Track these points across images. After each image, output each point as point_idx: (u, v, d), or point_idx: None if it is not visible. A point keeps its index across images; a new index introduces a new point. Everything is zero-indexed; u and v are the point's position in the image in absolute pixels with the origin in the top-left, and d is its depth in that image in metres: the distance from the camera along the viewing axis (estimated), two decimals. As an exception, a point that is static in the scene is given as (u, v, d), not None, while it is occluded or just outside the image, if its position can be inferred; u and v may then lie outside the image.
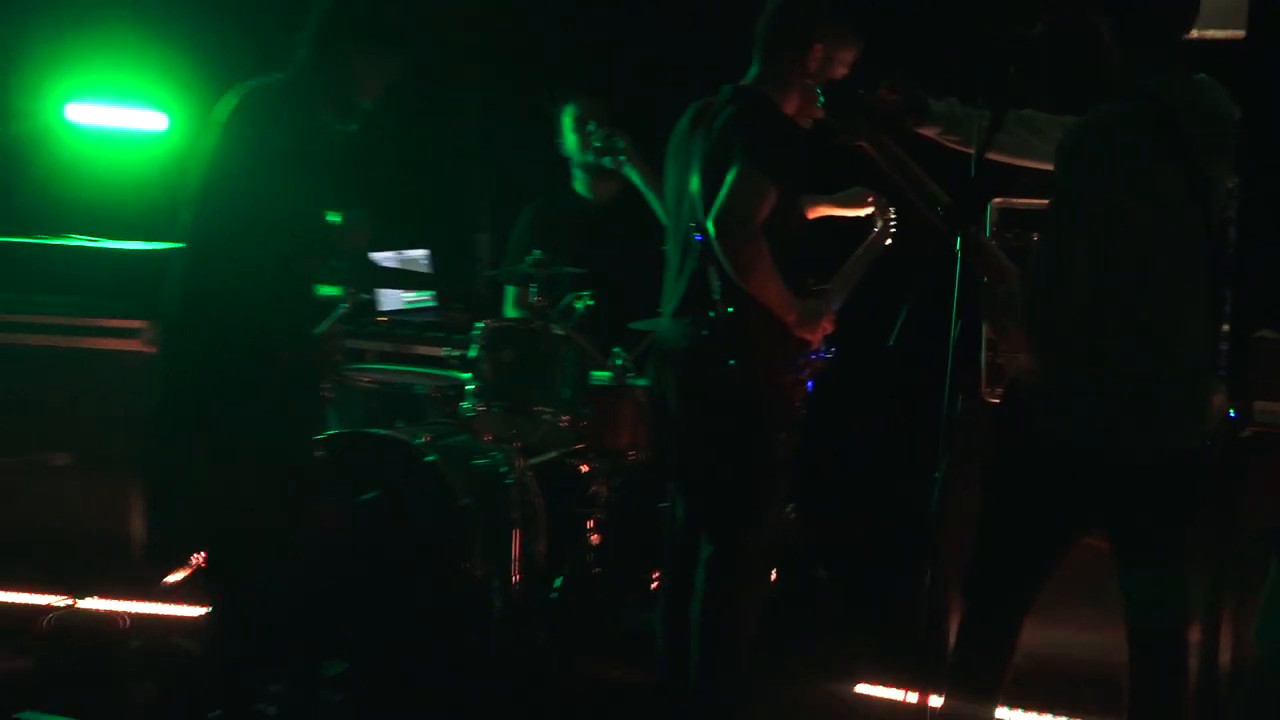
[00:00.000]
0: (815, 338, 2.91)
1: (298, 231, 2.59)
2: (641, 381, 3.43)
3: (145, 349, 3.80)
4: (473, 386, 3.42)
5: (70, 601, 3.72)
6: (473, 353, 3.42)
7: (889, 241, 3.07)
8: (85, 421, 3.81)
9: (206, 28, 4.36)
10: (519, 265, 3.56)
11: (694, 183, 2.84)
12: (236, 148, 2.62)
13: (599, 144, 3.57)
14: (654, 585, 3.64)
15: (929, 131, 2.75)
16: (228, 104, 2.65)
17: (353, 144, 2.77)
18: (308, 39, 2.68)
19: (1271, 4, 3.24)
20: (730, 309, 2.80)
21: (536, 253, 3.49)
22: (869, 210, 3.13)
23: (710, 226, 2.71)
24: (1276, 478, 2.92)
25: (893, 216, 3.11)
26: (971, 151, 2.45)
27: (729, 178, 2.71)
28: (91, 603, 3.74)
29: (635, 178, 3.50)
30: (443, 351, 3.78)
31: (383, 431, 3.54)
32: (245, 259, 2.54)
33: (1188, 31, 2.42)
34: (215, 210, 2.63)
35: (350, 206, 2.79)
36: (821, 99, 2.78)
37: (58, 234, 4.16)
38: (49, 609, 3.71)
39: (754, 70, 2.89)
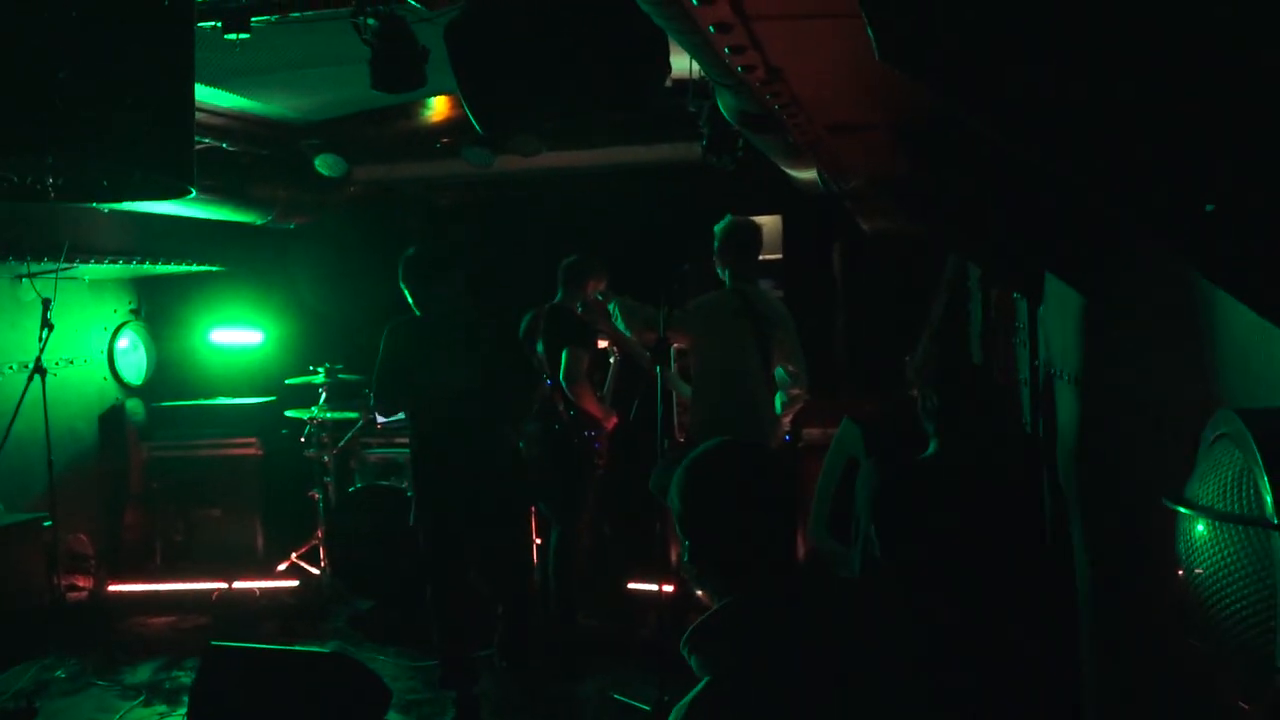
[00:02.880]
0: (611, 423, 5.37)
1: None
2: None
3: (255, 453, 6.91)
4: None
5: (227, 585, 6.52)
6: None
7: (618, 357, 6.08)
8: (227, 491, 6.80)
9: (281, 287, 7.51)
10: None
11: (539, 348, 5.33)
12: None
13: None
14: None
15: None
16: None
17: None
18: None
19: (797, 241, 6.40)
20: (571, 413, 5.27)
21: None
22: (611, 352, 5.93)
23: (562, 381, 5.13)
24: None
25: (618, 355, 5.77)
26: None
27: (564, 354, 5.10)
28: (238, 584, 6.55)
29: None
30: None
31: (384, 483, 6.56)
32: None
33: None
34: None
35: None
36: (580, 308, 5.30)
37: (210, 397, 7.31)
38: (216, 591, 6.50)
39: (559, 294, 5.34)
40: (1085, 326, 2.39)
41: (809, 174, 4.00)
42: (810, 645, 1.64)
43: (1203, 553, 1.10)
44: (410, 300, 4.79)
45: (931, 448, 3.02)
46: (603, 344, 5.74)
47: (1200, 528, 1.11)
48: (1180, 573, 1.12)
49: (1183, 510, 1.11)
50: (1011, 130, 1.16)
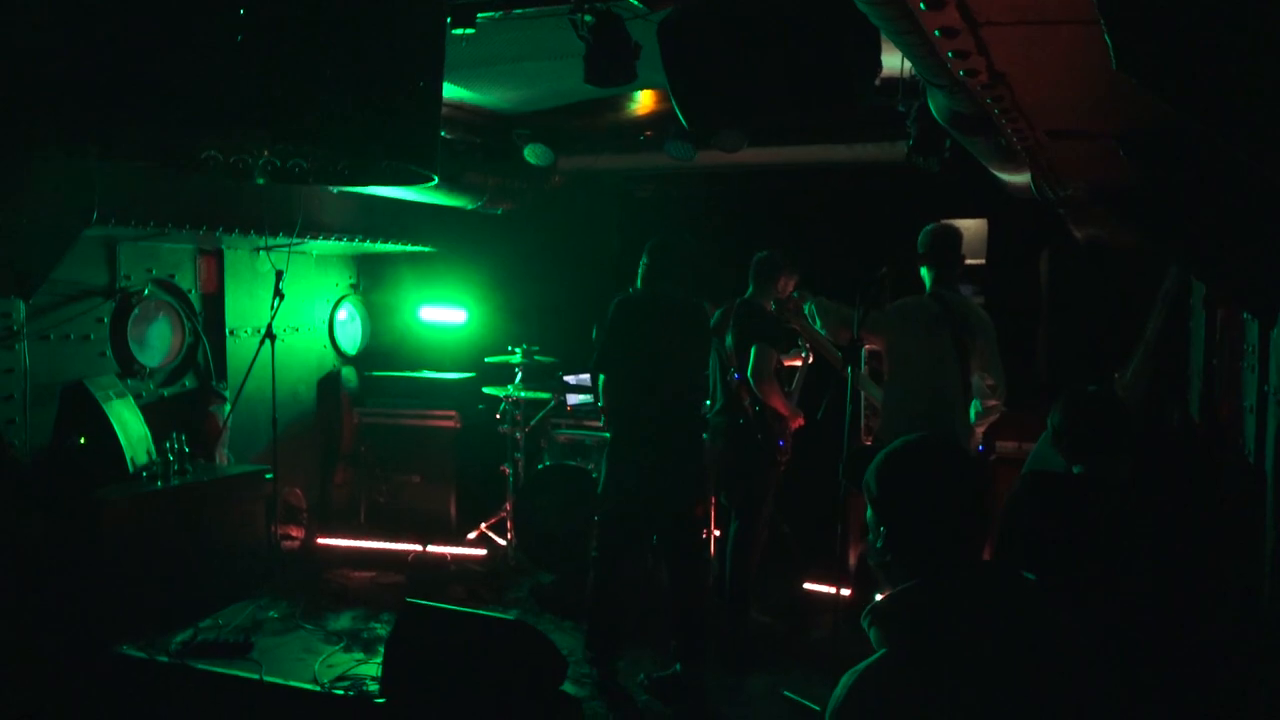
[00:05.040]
0: (797, 423, 5.40)
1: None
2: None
3: (453, 425, 7.29)
4: None
5: (422, 547, 6.86)
6: None
7: (810, 360, 6.00)
8: (426, 459, 7.21)
9: (486, 270, 7.83)
10: None
11: (728, 342, 5.35)
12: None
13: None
14: (704, 537, 6.20)
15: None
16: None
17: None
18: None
19: (1002, 246, 6.20)
20: (757, 409, 5.27)
21: None
22: (803, 356, 5.76)
23: (749, 377, 5.13)
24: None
25: (811, 358, 5.69)
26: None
27: (753, 350, 5.12)
28: (432, 548, 6.87)
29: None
30: (601, 423, 6.96)
31: (571, 463, 6.69)
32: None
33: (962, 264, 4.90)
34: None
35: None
36: (774, 306, 5.24)
37: (416, 370, 7.75)
38: (411, 552, 6.83)
39: (750, 289, 5.35)
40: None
41: (1021, 178, 3.85)
42: (987, 635, 1.67)
43: None
44: (643, 280, 4.97)
45: (1076, 471, 3.04)
46: (793, 362, 5.73)
47: None
48: None
49: None
50: (1258, 145, 1.10)
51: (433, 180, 2.34)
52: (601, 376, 4.96)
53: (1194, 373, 4.81)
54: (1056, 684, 1.67)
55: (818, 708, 4.55)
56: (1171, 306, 4.98)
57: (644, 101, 6.44)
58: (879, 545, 1.84)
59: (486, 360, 7.05)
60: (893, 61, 3.94)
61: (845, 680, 1.71)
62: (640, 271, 5.01)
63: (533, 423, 6.96)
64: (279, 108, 1.89)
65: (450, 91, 6.01)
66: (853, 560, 5.38)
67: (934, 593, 1.72)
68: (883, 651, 1.71)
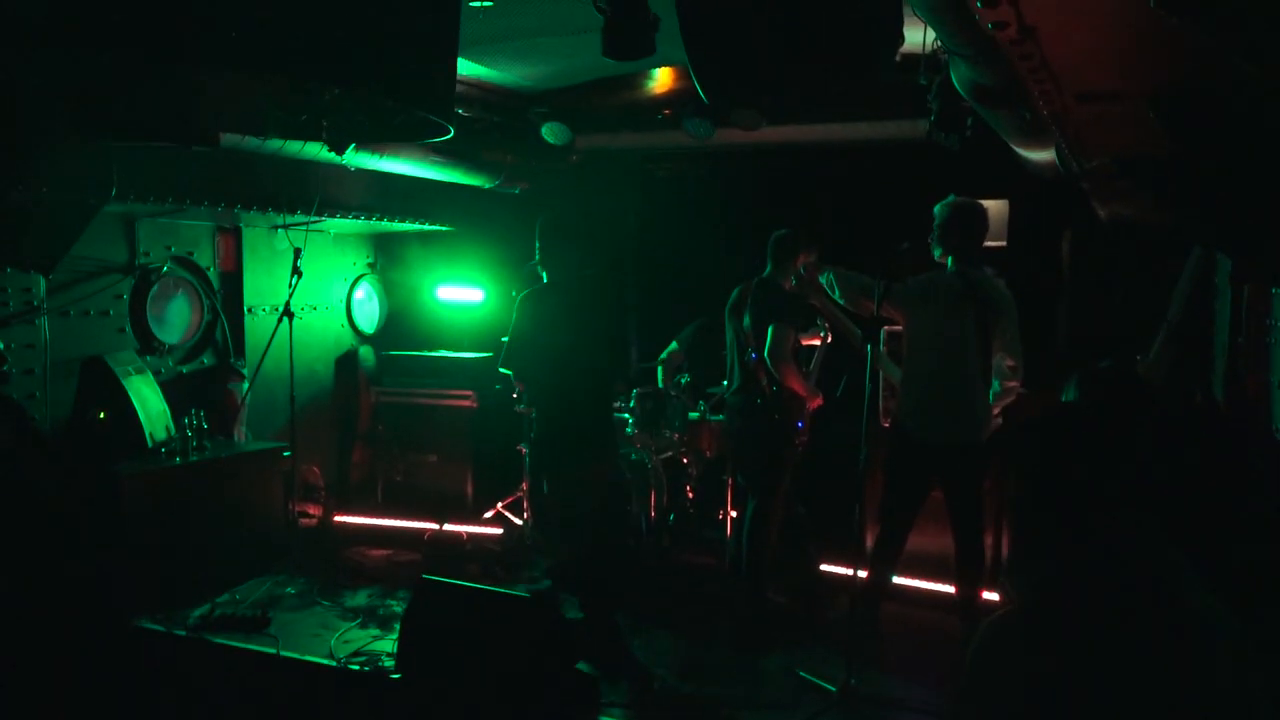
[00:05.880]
0: (815, 403, 5.33)
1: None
2: (715, 418, 6.57)
3: (470, 405, 7.28)
4: (631, 420, 6.56)
5: (438, 526, 6.86)
6: (631, 404, 6.57)
7: (829, 339, 5.94)
8: (443, 438, 7.18)
9: (503, 249, 7.72)
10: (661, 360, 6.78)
11: (746, 321, 5.27)
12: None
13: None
14: (720, 518, 6.48)
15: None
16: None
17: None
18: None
19: (1023, 227, 6.11)
20: (774, 388, 5.16)
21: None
22: (821, 335, 5.69)
23: (766, 357, 5.02)
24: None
25: (830, 338, 5.66)
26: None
27: (770, 330, 5.02)
28: (448, 527, 6.87)
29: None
30: (618, 403, 6.99)
31: None
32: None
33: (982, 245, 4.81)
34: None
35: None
36: (794, 282, 5.20)
37: (433, 349, 7.72)
38: (428, 530, 6.84)
39: (768, 268, 5.25)
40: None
41: (1044, 154, 3.79)
42: (1124, 598, 1.73)
43: None
44: (539, 267, 4.92)
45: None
46: (811, 341, 5.68)
47: None
48: None
49: None
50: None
51: (449, 133, 2.31)
52: (510, 371, 5.04)
53: (1218, 353, 4.74)
54: (1182, 650, 1.70)
55: (833, 688, 4.53)
56: (1195, 286, 4.91)
57: (662, 79, 6.39)
58: (1027, 509, 1.89)
59: (503, 340, 7.00)
60: (914, 37, 3.88)
61: (981, 630, 1.81)
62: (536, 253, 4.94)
63: (549, 402, 6.93)
64: (299, 50, 1.86)
65: (467, 68, 5.98)
66: (869, 542, 5.34)
67: (1079, 555, 1.78)
68: (1019, 605, 1.81)
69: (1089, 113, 2.22)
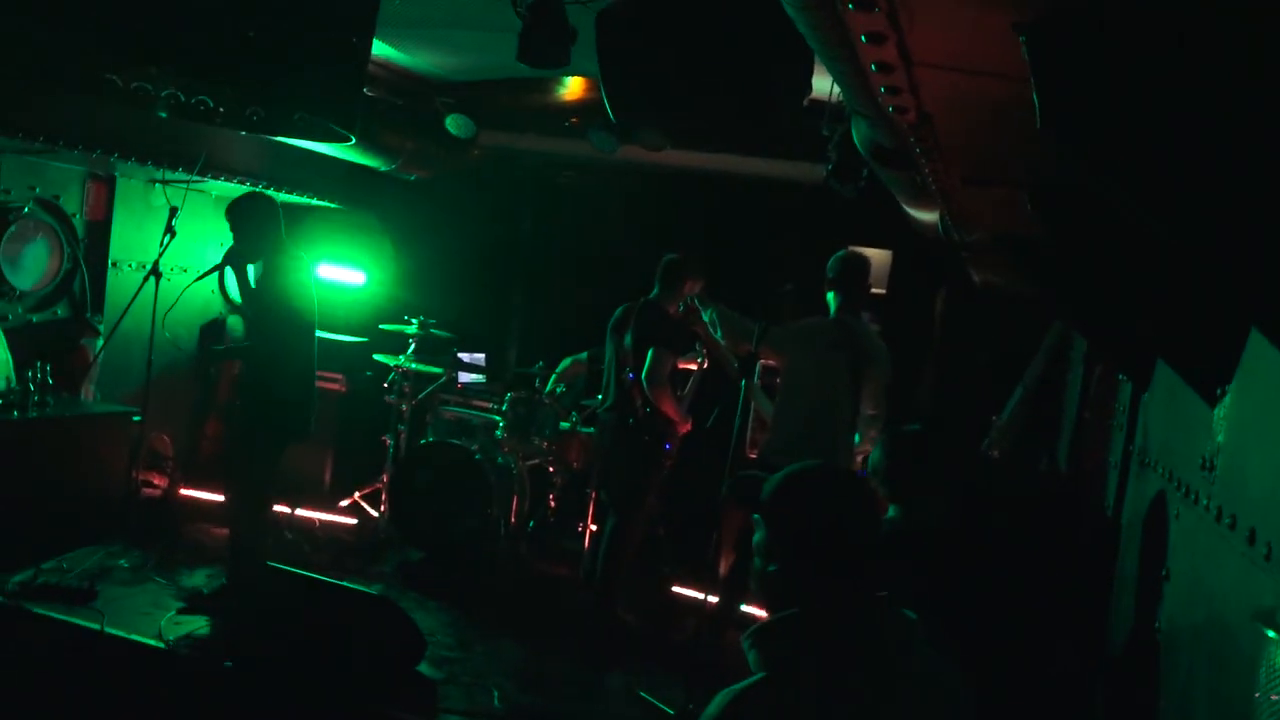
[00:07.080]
0: (685, 428, 5.42)
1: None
2: (586, 430, 6.57)
3: (338, 389, 7.10)
4: (502, 423, 6.52)
5: (290, 510, 6.62)
6: (504, 407, 6.53)
7: (705, 365, 6.02)
8: None
9: (390, 235, 7.72)
10: (534, 368, 6.77)
11: (627, 340, 5.33)
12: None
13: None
14: (580, 530, 6.44)
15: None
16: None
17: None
18: None
19: (903, 279, 6.35)
20: (648, 410, 5.30)
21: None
22: (699, 361, 5.76)
23: (644, 379, 5.15)
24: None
25: (706, 364, 5.71)
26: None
27: (650, 353, 5.15)
28: (300, 512, 6.68)
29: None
30: (490, 404, 6.97)
31: (455, 441, 6.65)
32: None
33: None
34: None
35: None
36: (681, 308, 5.26)
37: None
38: (279, 514, 6.58)
39: (655, 291, 5.34)
40: (1193, 425, 2.33)
41: (930, 216, 3.96)
42: (868, 665, 1.70)
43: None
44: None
45: (891, 512, 3.12)
46: (687, 366, 5.74)
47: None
48: (1256, 695, 1.09)
49: (1272, 635, 1.08)
50: (1165, 215, 1.14)
51: (349, 140, 2.25)
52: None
53: (1066, 424, 5.02)
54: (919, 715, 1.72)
55: (671, 711, 4.58)
56: (1052, 357, 5.19)
57: (573, 88, 6.39)
58: (770, 570, 1.83)
59: (381, 327, 6.89)
60: (822, 85, 3.98)
61: (721, 699, 1.71)
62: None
63: (421, 396, 6.84)
64: (194, 45, 1.79)
65: (377, 49, 5.84)
66: (723, 569, 5.43)
67: (816, 622, 1.74)
68: (762, 675, 1.71)
69: (973, 193, 2.33)
